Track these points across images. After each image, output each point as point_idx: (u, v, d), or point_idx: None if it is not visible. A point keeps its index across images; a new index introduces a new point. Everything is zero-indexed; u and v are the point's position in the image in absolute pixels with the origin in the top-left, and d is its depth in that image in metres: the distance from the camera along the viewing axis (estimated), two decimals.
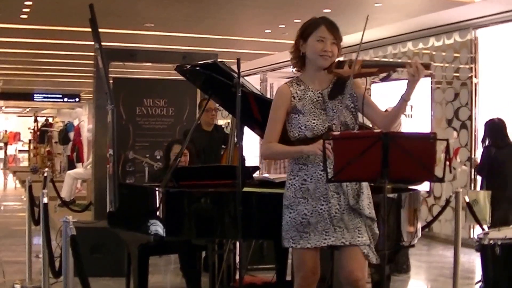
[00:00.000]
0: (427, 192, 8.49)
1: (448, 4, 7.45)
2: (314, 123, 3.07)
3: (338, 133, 2.74)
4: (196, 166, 5.00)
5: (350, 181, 2.89)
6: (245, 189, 3.87)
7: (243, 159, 4.32)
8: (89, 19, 5.72)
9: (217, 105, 5.80)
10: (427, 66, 2.95)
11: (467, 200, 4.78)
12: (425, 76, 8.70)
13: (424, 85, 8.77)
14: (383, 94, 8.03)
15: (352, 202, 3.01)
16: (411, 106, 7.13)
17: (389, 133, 2.61)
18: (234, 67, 3.79)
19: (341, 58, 3.16)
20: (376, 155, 2.55)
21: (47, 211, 4.18)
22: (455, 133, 8.25)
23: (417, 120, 8.72)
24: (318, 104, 3.10)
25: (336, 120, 3.07)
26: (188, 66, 4.34)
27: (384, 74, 3.11)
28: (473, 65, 8.04)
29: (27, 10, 8.01)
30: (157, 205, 4.02)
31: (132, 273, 4.55)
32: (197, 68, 4.21)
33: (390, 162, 2.56)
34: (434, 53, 8.67)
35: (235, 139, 5.21)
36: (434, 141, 2.60)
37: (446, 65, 8.45)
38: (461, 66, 8.20)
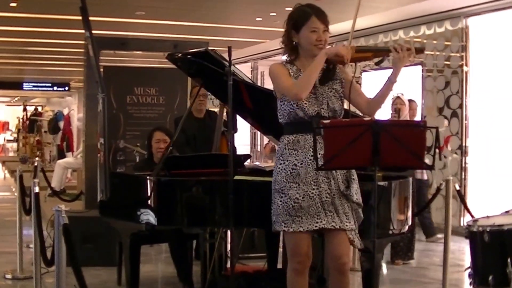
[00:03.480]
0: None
1: None
2: (305, 103, 3.13)
3: (328, 121, 2.76)
4: (188, 155, 4.99)
5: (340, 169, 2.94)
6: (236, 177, 3.88)
7: (234, 148, 4.33)
8: (80, 7, 5.67)
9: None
10: (420, 51, 3.00)
11: (457, 188, 4.80)
12: (416, 64, 8.70)
13: (415, 73, 8.79)
14: (374, 82, 8.04)
15: (342, 188, 3.08)
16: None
17: (379, 121, 2.63)
18: (226, 56, 3.80)
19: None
20: (367, 143, 2.57)
21: (38, 201, 4.16)
22: (446, 122, 8.28)
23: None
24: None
25: (324, 105, 3.14)
26: (179, 55, 4.34)
27: (378, 59, 3.15)
28: (464, 54, 8.06)
29: None
30: (149, 194, 4.03)
31: (124, 262, 4.55)
32: (188, 56, 4.21)
33: (381, 150, 2.58)
34: (425, 41, 8.67)
35: (222, 128, 5.21)
36: (424, 129, 2.62)
37: (437, 53, 8.46)
38: (452, 54, 8.22)
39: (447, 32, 8.30)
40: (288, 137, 3.18)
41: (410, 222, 4.06)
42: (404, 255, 6.08)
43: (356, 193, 3.13)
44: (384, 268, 5.96)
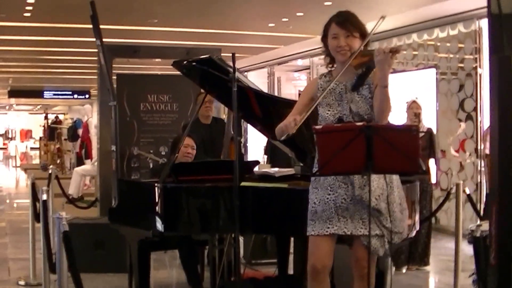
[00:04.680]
0: (434, 184, 8.45)
1: None
2: (327, 113, 3.16)
3: (320, 127, 2.75)
4: (196, 162, 5.01)
5: (335, 174, 2.92)
6: (243, 183, 3.89)
7: (241, 154, 4.35)
8: (90, 15, 5.76)
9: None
10: (395, 51, 2.96)
11: (468, 192, 4.75)
12: (430, 67, 8.58)
13: (429, 76, 8.73)
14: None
15: (357, 192, 3.06)
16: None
17: (371, 126, 2.62)
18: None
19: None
20: (360, 148, 2.55)
21: (46, 208, 4.21)
22: (463, 125, 8.20)
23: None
24: (338, 95, 3.18)
25: (346, 110, 3.14)
26: (185, 62, 4.36)
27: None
28: (477, 56, 7.98)
29: (30, 8, 8.04)
30: (156, 201, 4.04)
31: (133, 268, 4.57)
32: (194, 63, 4.23)
33: (374, 154, 2.56)
34: (438, 44, 8.62)
35: (232, 133, 5.22)
36: (416, 133, 2.60)
37: (451, 56, 8.40)
38: (466, 56, 8.14)
39: (461, 34, 8.23)
40: None
41: (418, 227, 4.04)
42: (420, 260, 6.03)
43: (376, 199, 3.07)
44: (403, 270, 5.93)
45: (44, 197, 4.18)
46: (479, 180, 7.90)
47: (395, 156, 2.56)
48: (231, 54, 3.72)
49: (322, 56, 3.38)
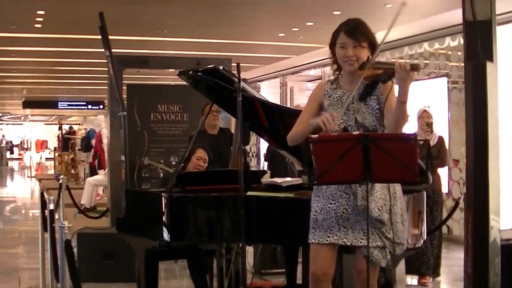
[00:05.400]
0: (446, 194, 8.38)
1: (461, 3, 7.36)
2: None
3: (316, 136, 2.73)
4: (202, 171, 5.02)
5: (333, 183, 2.90)
6: (249, 193, 3.88)
7: (246, 164, 4.34)
8: (99, 26, 5.82)
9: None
10: (414, 68, 2.92)
11: None
12: (441, 76, 8.53)
13: (441, 85, 8.68)
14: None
15: (359, 203, 3.02)
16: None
17: (369, 135, 2.60)
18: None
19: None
20: (357, 158, 2.54)
21: (53, 218, 4.23)
22: None
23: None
24: (345, 104, 3.14)
25: (351, 121, 3.12)
26: (191, 72, 4.37)
27: (385, 77, 3.07)
28: None
29: (40, 19, 8.12)
30: (162, 210, 4.05)
31: (140, 278, 4.57)
32: (199, 74, 4.24)
33: (372, 164, 2.54)
34: (450, 53, 8.58)
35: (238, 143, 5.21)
36: (415, 142, 2.58)
37: (462, 64, 8.34)
38: None
39: None
40: None
41: (425, 237, 4.01)
42: (432, 272, 5.97)
43: (379, 210, 3.03)
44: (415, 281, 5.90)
45: (51, 206, 4.20)
46: None
47: (393, 166, 2.54)
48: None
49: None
